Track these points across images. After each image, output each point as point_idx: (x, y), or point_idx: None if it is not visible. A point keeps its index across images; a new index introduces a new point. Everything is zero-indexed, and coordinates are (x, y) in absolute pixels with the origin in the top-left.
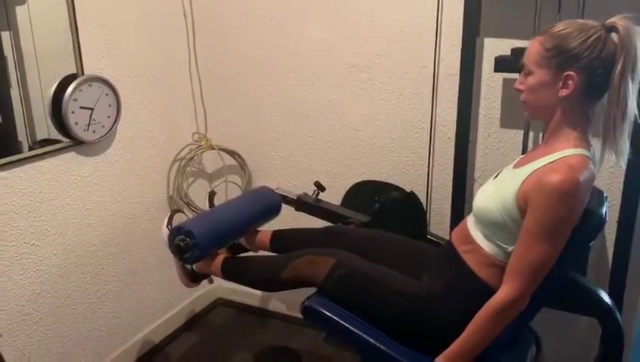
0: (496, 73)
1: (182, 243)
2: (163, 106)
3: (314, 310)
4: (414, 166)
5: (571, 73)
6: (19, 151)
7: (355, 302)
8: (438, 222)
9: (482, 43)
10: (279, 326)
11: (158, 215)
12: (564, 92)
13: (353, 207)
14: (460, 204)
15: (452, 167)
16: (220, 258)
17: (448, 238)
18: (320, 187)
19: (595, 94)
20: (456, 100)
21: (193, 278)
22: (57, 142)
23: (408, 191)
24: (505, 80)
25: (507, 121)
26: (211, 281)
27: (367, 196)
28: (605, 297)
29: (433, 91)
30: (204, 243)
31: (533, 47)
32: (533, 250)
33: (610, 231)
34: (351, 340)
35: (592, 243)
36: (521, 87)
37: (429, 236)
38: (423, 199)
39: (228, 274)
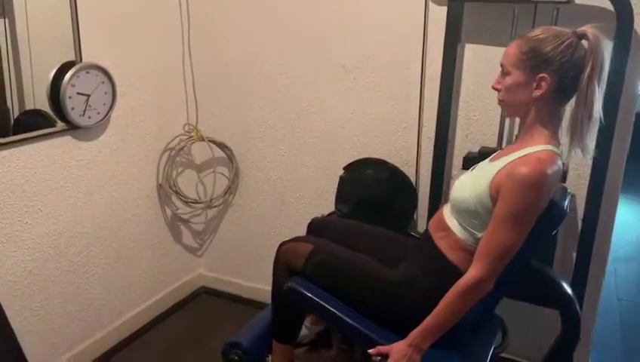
0: (476, 77)
1: (235, 357)
2: (156, 97)
3: (296, 291)
4: (398, 164)
5: (544, 75)
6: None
7: (333, 286)
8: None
9: (463, 48)
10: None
11: (147, 202)
12: (537, 92)
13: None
14: (437, 201)
15: (431, 165)
16: (273, 342)
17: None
18: None
19: (565, 95)
20: (436, 102)
21: None
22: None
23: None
24: (484, 83)
25: (484, 122)
26: None
27: (359, 179)
28: (567, 288)
29: (421, 93)
30: (255, 349)
31: (511, 49)
32: (501, 235)
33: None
34: (329, 319)
35: (554, 233)
36: (499, 87)
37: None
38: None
39: (277, 336)
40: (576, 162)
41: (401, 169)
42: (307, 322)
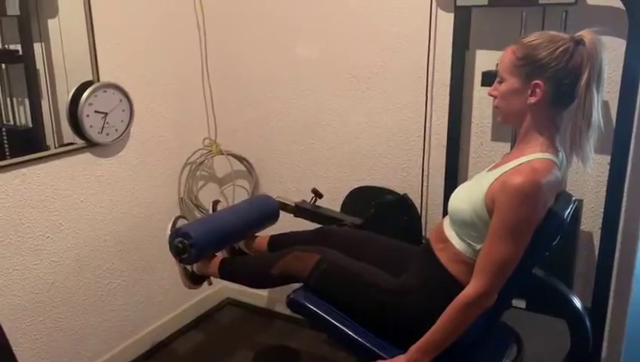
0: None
1: (180, 245)
2: (175, 112)
3: (298, 302)
4: (410, 173)
5: (539, 82)
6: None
7: (336, 296)
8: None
9: (474, 55)
10: (284, 326)
11: (169, 216)
12: (532, 99)
13: (352, 209)
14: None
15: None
16: (218, 259)
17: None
18: (317, 194)
19: (561, 103)
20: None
21: (194, 280)
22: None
23: (402, 194)
24: None
25: (499, 130)
26: (210, 283)
27: (365, 200)
28: (575, 301)
29: (426, 100)
30: (202, 244)
31: (506, 55)
32: (498, 249)
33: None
34: (330, 331)
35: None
36: (495, 93)
37: (423, 241)
38: (417, 204)
39: (224, 273)
40: (594, 167)
41: (416, 179)
42: None
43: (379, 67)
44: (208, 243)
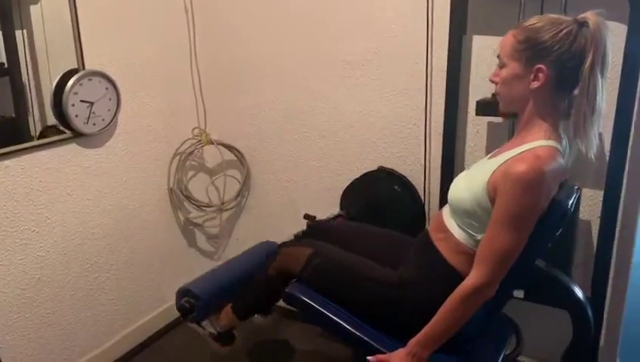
0: (484, 69)
1: (187, 304)
2: (163, 101)
3: (295, 297)
4: (407, 161)
5: (542, 66)
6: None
7: (332, 290)
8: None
9: (471, 40)
10: (276, 318)
11: (159, 207)
12: (534, 84)
13: (351, 198)
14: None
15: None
16: (228, 307)
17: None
18: (310, 218)
19: (565, 87)
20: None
21: (223, 341)
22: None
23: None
24: None
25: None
26: (234, 338)
27: (366, 189)
28: (577, 290)
29: (426, 87)
30: (208, 299)
31: (507, 39)
32: (500, 238)
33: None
34: (328, 324)
35: (558, 233)
36: (496, 79)
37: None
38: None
39: (240, 314)
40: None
41: (414, 167)
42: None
43: (373, 53)
44: (214, 297)
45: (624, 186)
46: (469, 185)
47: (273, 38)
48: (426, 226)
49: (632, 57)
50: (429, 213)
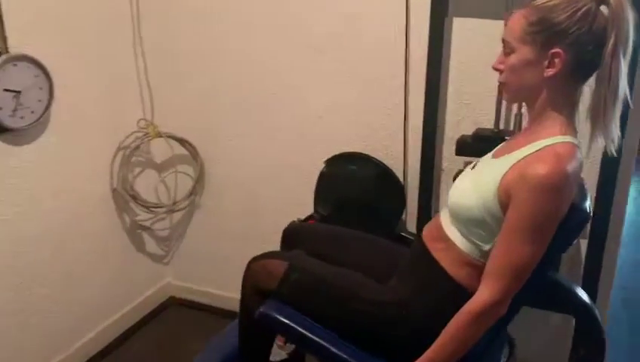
0: (469, 54)
1: None
2: (103, 90)
3: (271, 317)
4: (382, 156)
5: (558, 50)
6: None
7: (313, 309)
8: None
9: (451, 22)
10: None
11: (101, 209)
12: (550, 71)
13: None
14: (428, 197)
15: (420, 157)
16: None
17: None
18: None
19: (583, 74)
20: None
21: None
22: None
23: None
24: (477, 62)
25: (477, 105)
26: None
27: (340, 176)
28: (581, 293)
29: (406, 74)
30: None
31: (515, 21)
32: (516, 250)
33: None
34: (312, 349)
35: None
36: (501, 67)
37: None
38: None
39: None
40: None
41: (388, 162)
42: (278, 341)
43: (341, 36)
44: None
45: (618, 179)
46: (476, 189)
47: (230, 18)
48: (405, 224)
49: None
50: (407, 214)
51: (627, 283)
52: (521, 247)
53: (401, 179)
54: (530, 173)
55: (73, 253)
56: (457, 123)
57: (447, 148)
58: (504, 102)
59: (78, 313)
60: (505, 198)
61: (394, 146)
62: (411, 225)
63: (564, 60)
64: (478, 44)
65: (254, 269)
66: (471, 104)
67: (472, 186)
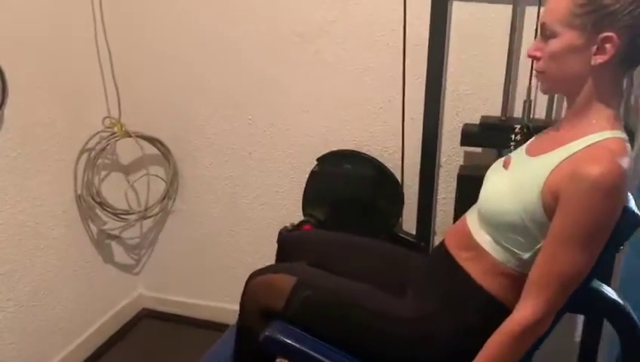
0: (467, 42)
1: None
2: (64, 86)
3: (277, 341)
4: (375, 153)
5: (610, 34)
6: None
7: (327, 330)
8: (411, 219)
9: (451, 6)
10: (211, 335)
11: (65, 219)
12: (599, 58)
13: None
14: (428, 195)
15: (420, 152)
16: None
17: (416, 235)
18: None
19: (635, 61)
20: (422, 75)
21: None
22: None
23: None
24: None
25: (479, 96)
26: None
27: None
28: (610, 292)
29: (404, 64)
30: None
31: (559, 2)
32: (567, 259)
33: None
34: None
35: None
36: (538, 54)
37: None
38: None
39: None
40: None
41: (383, 158)
42: None
43: (330, 23)
44: None
45: None
46: (513, 191)
47: (205, 3)
48: (401, 223)
49: None
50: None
51: None
52: (572, 256)
53: (398, 177)
54: (582, 172)
55: (36, 269)
56: (457, 114)
57: (446, 141)
58: (511, 89)
59: (44, 336)
60: (551, 201)
61: (390, 142)
62: (409, 225)
63: (617, 46)
64: (479, 29)
65: (256, 286)
66: (473, 93)
67: (509, 188)
